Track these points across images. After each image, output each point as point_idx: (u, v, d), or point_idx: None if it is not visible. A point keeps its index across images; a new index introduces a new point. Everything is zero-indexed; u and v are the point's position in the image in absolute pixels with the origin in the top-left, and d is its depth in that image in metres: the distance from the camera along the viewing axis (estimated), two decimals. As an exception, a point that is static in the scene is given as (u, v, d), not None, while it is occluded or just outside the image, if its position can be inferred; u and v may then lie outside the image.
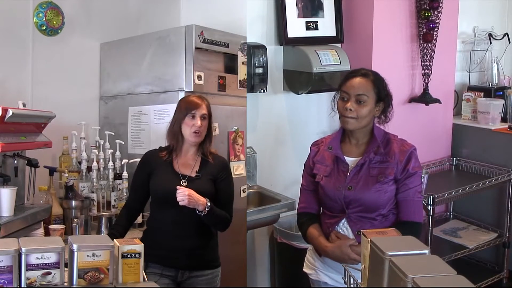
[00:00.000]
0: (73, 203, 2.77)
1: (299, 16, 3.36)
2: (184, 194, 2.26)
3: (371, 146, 2.18)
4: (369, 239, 1.48)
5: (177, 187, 2.30)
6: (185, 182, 2.37)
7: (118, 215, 2.61)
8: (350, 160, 2.20)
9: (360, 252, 1.66)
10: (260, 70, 3.14)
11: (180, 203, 2.27)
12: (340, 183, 2.17)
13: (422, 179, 2.67)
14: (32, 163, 2.49)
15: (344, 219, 2.18)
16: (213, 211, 2.33)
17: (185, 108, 2.40)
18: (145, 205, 2.58)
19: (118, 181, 2.95)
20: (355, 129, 2.18)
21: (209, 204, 2.31)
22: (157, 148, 2.53)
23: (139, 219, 2.89)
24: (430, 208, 3.26)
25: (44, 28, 3.07)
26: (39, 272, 1.48)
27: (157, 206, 2.46)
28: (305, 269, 2.37)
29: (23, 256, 1.47)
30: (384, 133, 2.22)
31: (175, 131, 2.42)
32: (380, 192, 2.13)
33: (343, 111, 2.15)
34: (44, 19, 3.04)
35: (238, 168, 3.19)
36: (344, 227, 2.19)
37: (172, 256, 2.37)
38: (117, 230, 2.45)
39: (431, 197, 3.25)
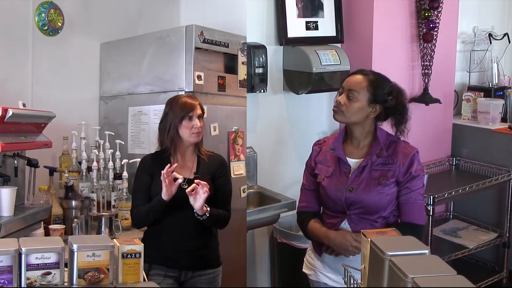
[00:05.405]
0: (73, 203, 2.77)
1: (299, 16, 3.36)
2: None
3: (374, 148, 2.17)
4: (369, 239, 1.48)
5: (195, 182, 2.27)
6: (185, 184, 2.36)
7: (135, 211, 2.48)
8: (352, 162, 2.20)
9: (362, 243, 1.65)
10: (260, 70, 3.13)
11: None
12: (341, 185, 2.17)
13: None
14: (32, 163, 2.49)
15: (345, 220, 2.18)
16: (212, 214, 2.33)
17: (181, 111, 2.39)
18: None
19: (118, 181, 2.95)
20: (342, 122, 2.22)
21: (208, 209, 2.31)
22: (153, 152, 2.51)
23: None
24: (430, 208, 3.26)
25: (46, 28, 3.06)
26: (39, 272, 1.48)
27: None
28: (304, 270, 2.37)
29: (23, 256, 1.47)
30: (387, 135, 2.21)
31: (172, 135, 2.40)
32: (381, 194, 2.13)
33: (335, 103, 2.20)
34: (46, 19, 3.04)
35: (238, 168, 3.18)
36: (345, 228, 2.18)
37: (175, 257, 2.38)
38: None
39: (431, 197, 3.25)
